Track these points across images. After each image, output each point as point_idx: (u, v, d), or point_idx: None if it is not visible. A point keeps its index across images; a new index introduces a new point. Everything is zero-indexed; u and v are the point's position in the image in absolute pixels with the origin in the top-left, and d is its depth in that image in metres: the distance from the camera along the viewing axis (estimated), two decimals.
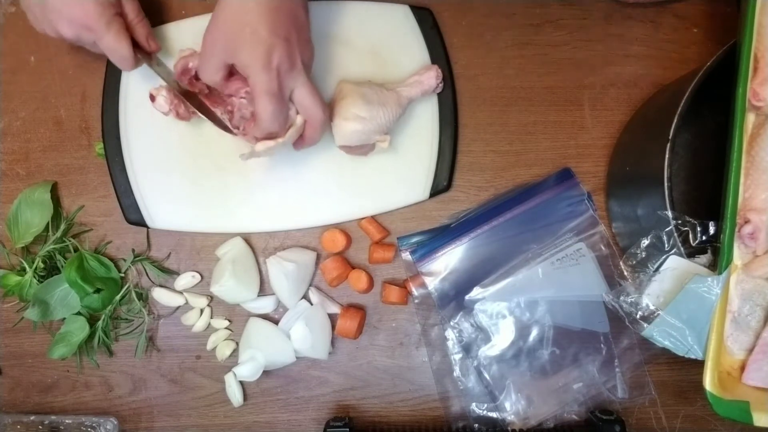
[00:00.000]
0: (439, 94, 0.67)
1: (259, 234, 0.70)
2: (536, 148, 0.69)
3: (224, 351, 0.69)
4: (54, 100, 0.71)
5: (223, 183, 0.68)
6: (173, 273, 0.70)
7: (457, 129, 0.68)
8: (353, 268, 0.69)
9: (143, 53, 0.63)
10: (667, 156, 0.53)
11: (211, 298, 0.70)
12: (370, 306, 0.70)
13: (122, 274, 0.70)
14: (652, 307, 0.55)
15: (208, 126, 0.63)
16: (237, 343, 0.70)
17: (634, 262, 0.58)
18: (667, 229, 0.54)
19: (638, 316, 0.56)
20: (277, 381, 0.70)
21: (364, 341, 0.70)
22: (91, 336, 0.68)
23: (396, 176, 0.67)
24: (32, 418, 0.70)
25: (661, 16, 0.69)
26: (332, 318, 0.69)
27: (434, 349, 0.68)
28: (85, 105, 0.71)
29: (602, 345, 0.66)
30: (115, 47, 0.59)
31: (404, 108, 0.64)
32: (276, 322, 0.69)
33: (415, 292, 0.68)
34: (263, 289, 0.70)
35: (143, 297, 0.70)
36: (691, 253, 0.55)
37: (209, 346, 0.70)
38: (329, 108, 0.61)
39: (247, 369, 0.66)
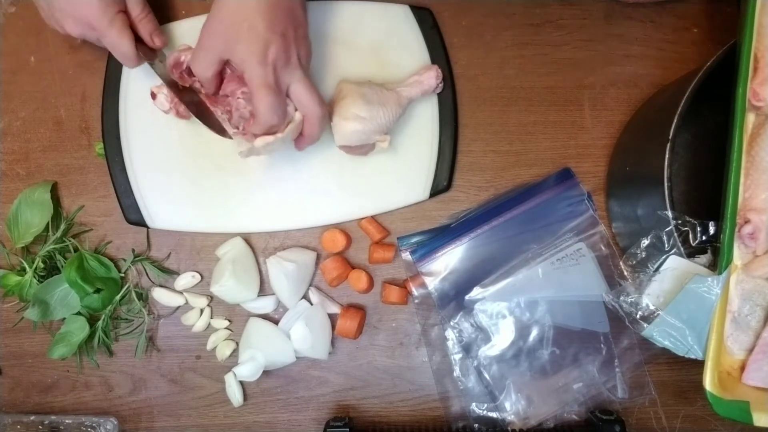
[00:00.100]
0: (439, 94, 0.67)
1: (259, 234, 0.70)
2: (536, 148, 0.69)
3: (224, 351, 0.69)
4: (54, 100, 0.71)
5: (223, 183, 0.68)
6: (173, 273, 0.70)
7: (457, 129, 0.68)
8: (353, 268, 0.69)
9: (147, 50, 0.63)
10: (667, 156, 0.53)
11: (211, 298, 0.70)
12: (370, 306, 0.70)
13: (122, 274, 0.70)
14: (652, 307, 0.55)
15: None
16: (237, 343, 0.70)
17: (634, 262, 0.58)
18: (667, 229, 0.54)
19: (638, 316, 0.56)
20: (277, 381, 0.70)
21: (364, 341, 0.70)
22: (91, 336, 0.68)
23: (396, 176, 0.67)
24: (32, 418, 0.70)
25: (661, 16, 0.69)
26: (332, 318, 0.69)
27: (434, 349, 0.68)
28: (85, 105, 0.71)
29: (602, 345, 0.66)
30: (118, 44, 0.60)
31: (404, 108, 0.64)
32: (276, 322, 0.69)
33: (415, 292, 0.68)
34: (263, 289, 0.70)
35: (143, 297, 0.70)
36: (691, 253, 0.55)
37: (209, 346, 0.70)
38: (329, 108, 0.61)
39: (247, 369, 0.66)
